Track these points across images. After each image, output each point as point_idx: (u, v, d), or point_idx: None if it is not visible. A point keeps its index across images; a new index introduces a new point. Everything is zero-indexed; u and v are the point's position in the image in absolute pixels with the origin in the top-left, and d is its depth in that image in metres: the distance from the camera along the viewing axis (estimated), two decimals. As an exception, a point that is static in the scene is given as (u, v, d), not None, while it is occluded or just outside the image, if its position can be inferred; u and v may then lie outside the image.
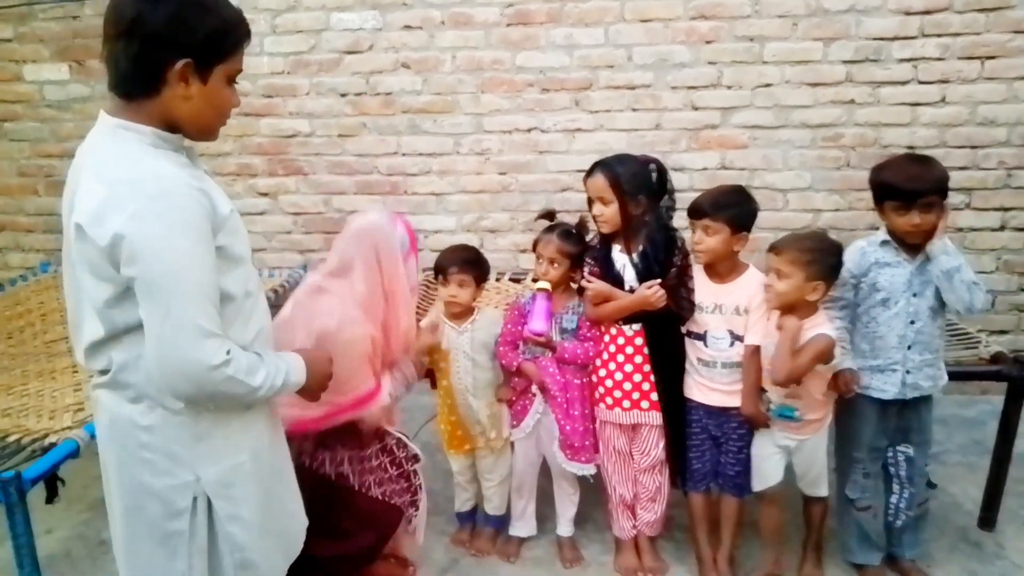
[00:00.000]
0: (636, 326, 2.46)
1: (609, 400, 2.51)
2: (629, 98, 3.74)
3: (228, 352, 1.42)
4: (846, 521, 2.55)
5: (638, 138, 3.76)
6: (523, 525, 2.76)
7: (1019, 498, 2.95)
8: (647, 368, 2.47)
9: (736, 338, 2.37)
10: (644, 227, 2.40)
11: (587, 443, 2.56)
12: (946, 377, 2.44)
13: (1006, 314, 3.82)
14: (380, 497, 2.27)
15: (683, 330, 2.47)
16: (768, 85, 3.66)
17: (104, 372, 1.51)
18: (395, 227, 2.09)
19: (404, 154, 3.93)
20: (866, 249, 2.39)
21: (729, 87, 3.68)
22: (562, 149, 3.84)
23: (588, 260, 2.51)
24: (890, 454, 2.46)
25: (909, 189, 2.25)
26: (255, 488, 1.61)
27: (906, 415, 2.42)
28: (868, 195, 3.70)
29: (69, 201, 1.45)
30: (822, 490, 2.49)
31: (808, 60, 3.61)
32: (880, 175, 2.34)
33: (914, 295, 2.32)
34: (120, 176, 1.37)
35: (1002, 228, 3.73)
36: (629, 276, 2.42)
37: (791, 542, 2.63)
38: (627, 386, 2.48)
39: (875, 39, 3.55)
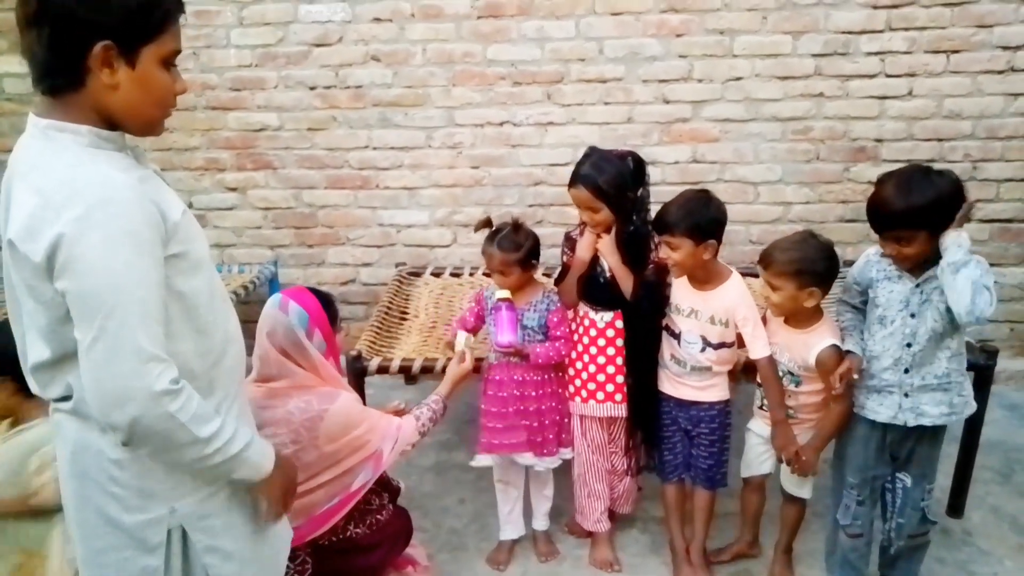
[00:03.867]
0: (608, 316, 2.46)
1: (584, 393, 2.51)
2: (601, 91, 3.74)
3: (178, 384, 1.28)
4: (832, 541, 2.43)
5: (610, 131, 3.77)
6: (511, 528, 2.71)
7: (986, 485, 3.01)
8: (620, 361, 2.47)
9: (708, 344, 2.35)
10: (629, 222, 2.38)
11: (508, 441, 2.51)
12: (971, 407, 2.20)
13: (972, 304, 3.88)
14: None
15: (663, 323, 2.47)
16: (738, 78, 3.68)
17: (65, 399, 1.37)
18: (284, 312, 2.08)
19: (375, 148, 3.89)
20: (871, 259, 2.22)
21: (700, 80, 3.69)
22: (534, 143, 3.84)
23: (566, 250, 2.52)
24: (888, 480, 2.31)
25: (872, 218, 2.09)
26: (235, 516, 1.51)
27: (907, 445, 2.24)
28: (837, 188, 3.81)
29: (2, 217, 1.31)
30: (803, 492, 2.46)
31: (778, 53, 3.64)
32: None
33: (911, 316, 2.11)
34: (54, 183, 1.23)
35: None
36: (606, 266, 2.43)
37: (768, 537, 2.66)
38: (600, 377, 2.48)
39: (843, 32, 3.58)
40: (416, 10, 3.70)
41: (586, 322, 2.49)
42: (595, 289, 2.46)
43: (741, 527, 2.64)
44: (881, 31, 3.57)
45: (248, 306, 3.35)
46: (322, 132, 3.89)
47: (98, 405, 1.26)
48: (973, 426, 2.72)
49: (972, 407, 2.22)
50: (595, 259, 2.44)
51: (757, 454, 2.48)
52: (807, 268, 2.18)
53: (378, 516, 2.37)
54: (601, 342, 2.47)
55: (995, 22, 3.52)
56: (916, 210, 2.00)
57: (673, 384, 2.46)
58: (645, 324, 2.45)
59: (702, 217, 2.25)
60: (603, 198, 2.32)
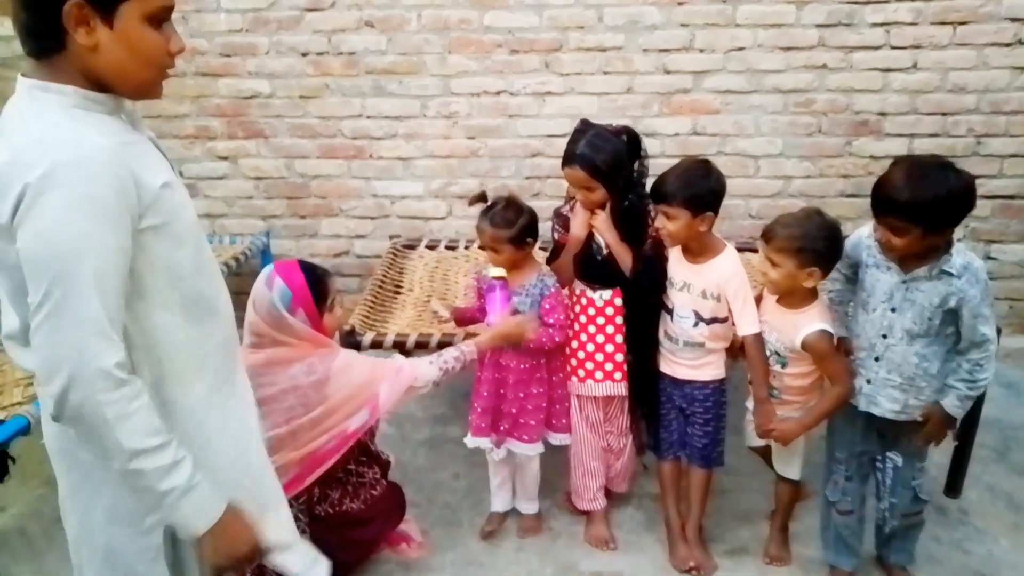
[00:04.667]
0: (607, 294, 2.42)
1: (581, 372, 2.47)
2: (600, 61, 3.66)
3: (122, 372, 1.22)
4: (826, 518, 2.43)
5: (609, 102, 3.69)
6: (502, 499, 2.70)
7: (983, 464, 3.00)
8: (619, 339, 2.43)
9: (700, 319, 2.31)
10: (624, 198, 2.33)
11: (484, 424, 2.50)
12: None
13: (971, 281, 3.85)
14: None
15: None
16: (741, 49, 3.60)
17: None
18: (269, 288, 2.08)
19: (369, 116, 3.81)
20: (863, 240, 2.17)
21: (701, 51, 3.61)
22: (532, 113, 3.76)
23: (557, 226, 2.47)
24: (879, 458, 2.31)
25: (874, 198, 2.02)
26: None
27: (893, 426, 2.23)
28: (839, 162, 3.75)
29: None
30: (791, 472, 2.45)
31: (781, 23, 3.55)
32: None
33: (892, 310, 2.09)
34: (28, 141, 1.19)
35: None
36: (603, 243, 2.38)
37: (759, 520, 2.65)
38: (599, 357, 2.44)
39: (848, 3, 3.50)
40: (411, -26, 3.60)
41: (583, 301, 2.45)
42: (593, 267, 2.42)
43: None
44: (886, 1, 3.48)
45: (240, 278, 3.29)
46: (315, 100, 3.80)
47: (37, 371, 1.22)
48: (973, 406, 2.69)
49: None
50: (590, 236, 2.39)
51: (753, 429, 2.46)
52: (808, 246, 2.13)
53: (372, 491, 2.37)
54: (600, 321, 2.42)
55: (1004, -7, 3.44)
56: (917, 204, 1.92)
57: (667, 362, 2.42)
58: (645, 300, 2.40)
59: (701, 188, 2.20)
60: (600, 178, 2.26)
